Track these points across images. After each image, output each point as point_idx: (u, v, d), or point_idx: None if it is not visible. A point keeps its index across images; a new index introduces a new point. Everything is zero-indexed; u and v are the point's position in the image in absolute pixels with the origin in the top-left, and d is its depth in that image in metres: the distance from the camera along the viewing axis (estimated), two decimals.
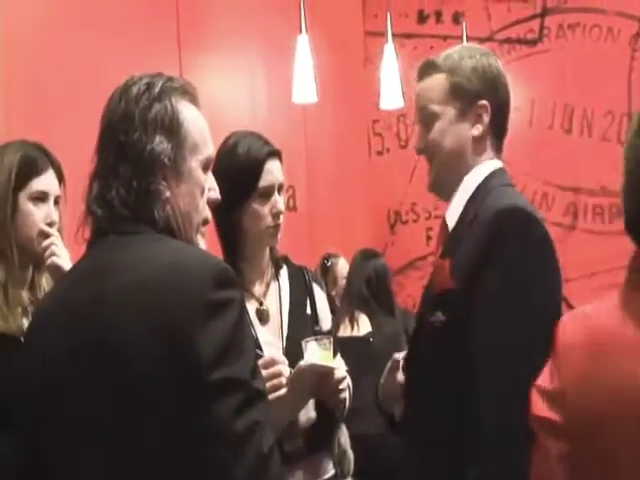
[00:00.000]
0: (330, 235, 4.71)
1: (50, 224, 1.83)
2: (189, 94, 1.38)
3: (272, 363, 1.72)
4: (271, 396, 1.55)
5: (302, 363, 1.74)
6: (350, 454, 2.26)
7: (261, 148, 1.94)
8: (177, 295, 1.19)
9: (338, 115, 5.02)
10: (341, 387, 1.80)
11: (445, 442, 1.56)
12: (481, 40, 5.04)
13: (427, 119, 1.69)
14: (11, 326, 1.76)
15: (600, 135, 4.75)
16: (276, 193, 1.95)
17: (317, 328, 2.01)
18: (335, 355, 1.85)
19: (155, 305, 1.19)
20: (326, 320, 2.08)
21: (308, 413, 1.92)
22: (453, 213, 1.67)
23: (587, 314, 1.20)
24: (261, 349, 1.89)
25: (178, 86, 1.37)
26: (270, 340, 1.94)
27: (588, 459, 1.10)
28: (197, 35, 3.89)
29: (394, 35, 4.37)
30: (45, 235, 1.82)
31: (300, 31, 3.75)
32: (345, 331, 3.73)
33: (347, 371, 1.87)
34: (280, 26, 4.24)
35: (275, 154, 1.97)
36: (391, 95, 4.25)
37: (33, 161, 1.83)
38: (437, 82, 1.68)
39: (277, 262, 2.05)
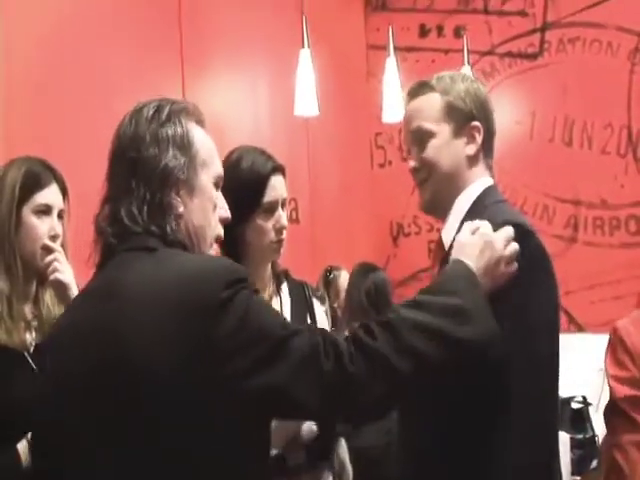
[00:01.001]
0: (332, 247, 4.72)
1: (54, 237, 1.85)
2: (196, 116, 1.40)
3: None
4: None
5: None
6: (349, 467, 2.27)
7: (265, 163, 1.96)
8: (193, 302, 1.21)
9: (340, 128, 5.04)
10: None
11: (442, 458, 1.56)
12: (482, 54, 5.08)
13: (421, 137, 1.68)
14: (14, 340, 1.78)
15: (600, 148, 4.77)
16: (280, 208, 1.96)
17: None
18: None
19: (172, 315, 1.21)
20: None
21: (311, 426, 1.93)
22: (449, 232, 1.68)
23: None
24: None
25: (186, 108, 1.40)
26: None
27: None
28: (200, 49, 3.91)
29: (396, 48, 4.40)
30: (48, 250, 1.83)
31: (302, 45, 3.77)
32: None
33: None
34: (282, 40, 4.27)
35: (279, 169, 1.98)
36: (393, 108, 4.27)
37: (36, 175, 1.85)
38: (432, 101, 1.68)
39: (278, 277, 2.06)
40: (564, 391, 2.57)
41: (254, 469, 1.29)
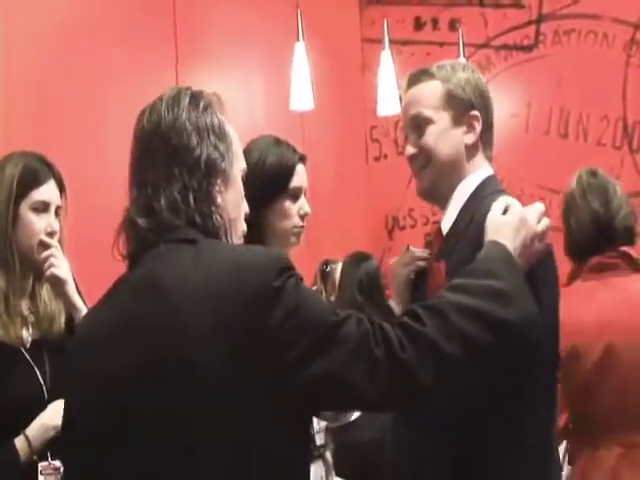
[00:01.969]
0: (328, 241, 4.72)
1: (51, 234, 1.84)
2: (223, 107, 1.40)
3: None
4: None
5: None
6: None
7: (292, 152, 2.02)
8: (246, 292, 1.19)
9: (336, 122, 5.03)
10: None
11: (443, 457, 1.55)
12: (477, 46, 5.07)
13: (420, 124, 1.67)
14: (11, 335, 1.77)
15: (596, 140, 4.77)
16: (303, 196, 2.03)
17: None
18: None
19: (225, 306, 1.19)
20: None
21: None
22: (448, 221, 1.68)
23: None
24: None
25: (215, 98, 1.39)
26: None
27: None
28: (194, 43, 3.90)
29: (391, 42, 4.39)
30: (45, 246, 1.83)
31: (297, 38, 3.77)
32: None
33: None
34: (277, 34, 4.26)
35: (303, 159, 2.05)
36: (388, 101, 4.27)
37: (34, 171, 1.84)
38: (431, 88, 1.67)
39: None
40: None
41: (297, 465, 1.26)
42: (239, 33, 4.20)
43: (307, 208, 2.03)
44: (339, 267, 4.26)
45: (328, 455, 2.02)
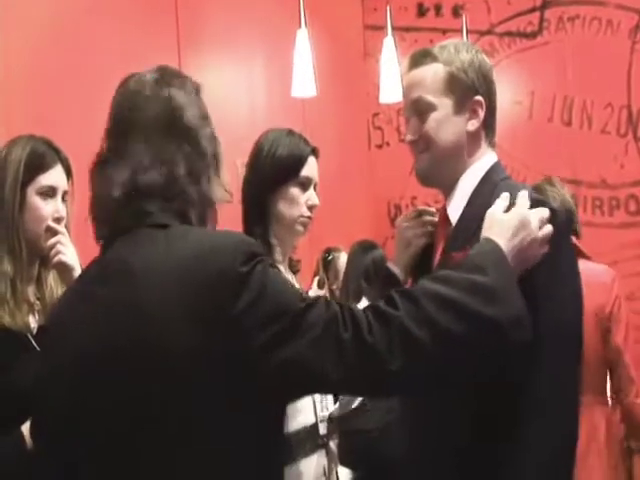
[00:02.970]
0: (330, 229, 4.70)
1: (58, 219, 1.83)
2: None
3: None
4: None
5: None
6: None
7: (305, 144, 2.05)
8: (213, 276, 1.19)
9: (338, 109, 5.01)
10: None
11: (452, 439, 1.54)
12: (481, 33, 5.04)
13: (421, 110, 1.65)
14: (18, 322, 1.76)
15: (600, 127, 4.74)
16: (312, 188, 2.04)
17: None
18: None
19: (192, 290, 1.19)
20: None
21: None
22: (456, 208, 1.66)
23: None
24: None
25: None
26: None
27: None
28: (196, 29, 3.88)
29: (394, 28, 4.36)
30: (52, 232, 1.81)
31: (299, 25, 3.74)
32: None
33: None
34: (279, 20, 4.23)
35: (315, 152, 2.07)
36: (391, 88, 4.24)
37: (41, 156, 1.82)
38: (433, 71, 1.64)
39: (295, 267, 2.11)
40: None
41: (269, 450, 1.27)
42: (241, 20, 4.17)
43: (315, 200, 2.04)
44: (341, 255, 4.25)
45: (332, 445, 2.00)
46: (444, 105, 1.64)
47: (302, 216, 2.00)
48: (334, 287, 4.25)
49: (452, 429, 1.54)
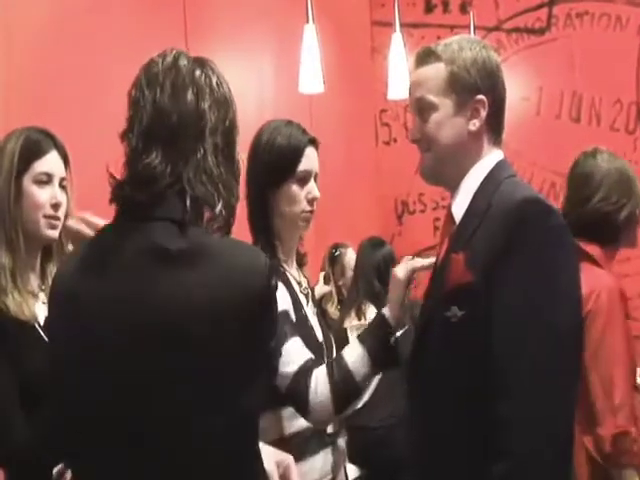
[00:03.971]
0: (337, 225, 4.70)
1: (55, 205, 1.82)
2: None
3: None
4: None
5: None
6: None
7: (302, 135, 2.00)
8: (240, 292, 1.25)
9: (345, 105, 5.00)
10: None
11: (460, 440, 1.55)
12: (489, 29, 5.02)
13: (423, 109, 1.66)
14: (25, 312, 1.75)
15: (608, 124, 4.73)
16: (312, 180, 2.01)
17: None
18: None
19: (222, 300, 1.24)
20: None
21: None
22: (460, 206, 1.66)
23: None
24: (313, 328, 1.95)
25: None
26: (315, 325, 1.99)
27: None
28: (204, 25, 3.88)
29: (401, 25, 4.35)
30: (52, 218, 1.80)
31: (307, 21, 3.74)
32: (351, 322, 3.71)
33: None
34: (287, 16, 4.22)
35: (314, 142, 2.02)
36: (399, 85, 4.23)
37: (35, 143, 1.81)
38: (435, 71, 1.65)
39: (302, 260, 2.09)
40: None
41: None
42: (248, 16, 4.17)
43: (316, 192, 2.01)
44: (348, 251, 4.26)
45: (341, 443, 1.99)
46: (445, 105, 1.64)
47: (304, 211, 1.98)
48: (340, 283, 4.25)
49: (459, 432, 1.55)
